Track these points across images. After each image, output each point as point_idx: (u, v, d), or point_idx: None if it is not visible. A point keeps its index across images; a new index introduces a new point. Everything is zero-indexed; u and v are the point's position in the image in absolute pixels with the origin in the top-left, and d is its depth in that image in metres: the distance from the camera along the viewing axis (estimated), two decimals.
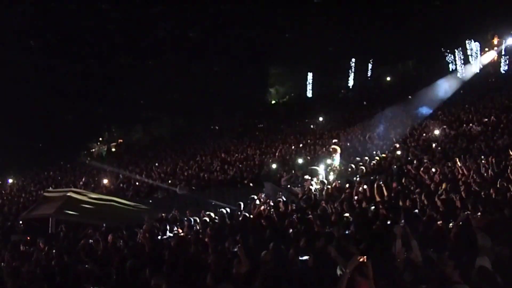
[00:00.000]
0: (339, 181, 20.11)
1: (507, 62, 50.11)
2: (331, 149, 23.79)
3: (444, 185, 14.18)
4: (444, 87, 44.91)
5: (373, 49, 56.06)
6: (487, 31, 51.14)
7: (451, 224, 10.09)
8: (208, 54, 56.72)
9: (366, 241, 9.46)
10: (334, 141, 24.34)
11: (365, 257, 6.11)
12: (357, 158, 23.92)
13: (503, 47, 50.29)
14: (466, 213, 10.53)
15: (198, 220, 16.63)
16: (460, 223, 9.80)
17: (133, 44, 53.18)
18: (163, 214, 19.00)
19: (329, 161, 23.20)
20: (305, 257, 8.99)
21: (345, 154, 24.74)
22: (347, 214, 12.92)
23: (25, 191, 34.83)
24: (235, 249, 10.01)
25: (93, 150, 65.59)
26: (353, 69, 61.46)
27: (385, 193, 14.91)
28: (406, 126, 31.94)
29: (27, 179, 41.13)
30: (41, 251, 15.45)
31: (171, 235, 15.03)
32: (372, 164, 22.46)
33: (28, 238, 18.91)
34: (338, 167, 22.68)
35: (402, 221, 9.28)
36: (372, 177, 19.03)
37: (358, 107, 49.11)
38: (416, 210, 12.10)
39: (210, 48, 56.33)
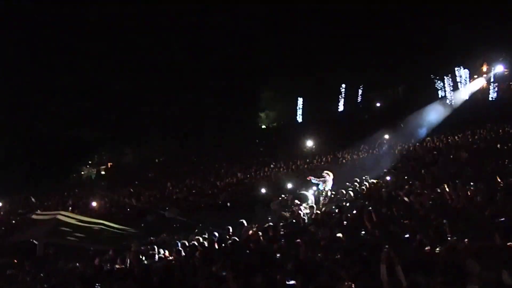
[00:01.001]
0: (328, 206, 20.15)
1: (496, 89, 50.48)
2: (323, 174, 23.76)
3: None
4: (433, 113, 45.12)
5: (363, 75, 56.36)
6: (476, 58, 51.51)
7: (437, 249, 10.09)
8: (199, 77, 56.79)
9: (355, 267, 9.45)
10: (326, 172, 24.27)
11: (352, 284, 6.11)
12: (347, 183, 23.95)
13: (492, 74, 50.70)
14: (454, 238, 10.54)
15: (186, 244, 16.55)
16: (448, 248, 9.79)
17: (124, 67, 53.25)
18: (151, 238, 18.91)
19: (320, 186, 23.19)
20: (292, 282, 8.95)
21: (335, 180, 24.73)
22: (338, 237, 12.91)
23: (13, 213, 34.62)
24: (223, 273, 9.98)
25: (83, 173, 65.36)
26: (343, 94, 61.72)
27: (374, 218, 14.90)
28: (395, 152, 32.06)
29: (15, 202, 40.88)
30: (27, 275, 15.37)
31: (160, 258, 14.95)
32: (362, 189, 22.48)
33: (16, 261, 18.82)
34: (328, 192, 22.69)
35: (386, 246, 9.28)
36: (361, 202, 19.05)
37: (348, 131, 49.21)
38: (407, 235, 12.08)
39: (201, 70, 56.42)
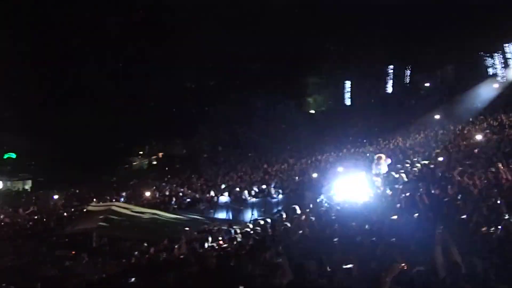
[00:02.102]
0: (382, 189, 20.01)
1: None
2: (376, 157, 23.56)
3: None
4: (485, 92, 44.33)
5: (411, 55, 55.57)
6: None
7: (493, 230, 9.95)
8: (242, 67, 56.80)
9: (409, 249, 9.39)
10: (379, 155, 24.01)
11: (404, 264, 6.06)
12: (398, 166, 23.73)
13: None
14: (508, 218, 10.37)
15: (239, 231, 16.64)
16: (505, 228, 9.65)
17: (169, 61, 53.59)
18: (205, 226, 19.05)
19: (375, 169, 23.02)
20: (349, 266, 8.92)
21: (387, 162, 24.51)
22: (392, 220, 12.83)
23: (69, 206, 35.26)
24: (279, 260, 9.99)
25: (134, 163, 66.20)
26: (391, 76, 60.98)
27: (427, 200, 14.75)
28: (447, 132, 31.63)
29: (71, 194, 41.64)
30: (85, 266, 15.65)
31: (213, 246, 15.06)
32: (414, 171, 22.25)
33: (73, 252, 19.17)
34: (382, 175, 22.50)
35: (441, 227, 9.15)
36: (414, 185, 18.86)
37: (398, 114, 48.69)
38: (462, 216, 11.91)
39: (246, 60, 56.38)
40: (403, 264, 6.09)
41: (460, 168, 18.65)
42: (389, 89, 60.98)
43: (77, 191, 43.35)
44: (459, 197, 14.08)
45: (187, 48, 51.60)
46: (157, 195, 33.77)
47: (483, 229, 10.04)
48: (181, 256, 14.18)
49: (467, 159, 21.40)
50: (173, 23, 51.08)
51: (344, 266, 8.94)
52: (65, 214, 31.44)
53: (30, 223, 30.79)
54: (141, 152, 67.96)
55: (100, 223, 20.93)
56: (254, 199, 26.67)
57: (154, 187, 36.88)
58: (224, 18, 50.60)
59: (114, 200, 32.83)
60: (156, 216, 22.75)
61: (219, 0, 49.68)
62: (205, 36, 51.43)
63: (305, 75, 61.42)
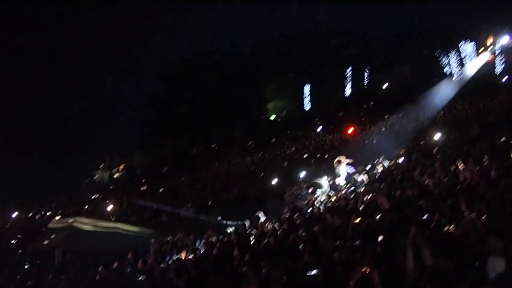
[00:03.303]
0: (343, 192, 20.11)
1: (503, 61, 50.13)
2: (335, 160, 23.65)
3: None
4: (442, 91, 44.88)
5: (368, 57, 56.07)
6: (480, 32, 51.13)
7: (453, 228, 10.01)
8: (204, 74, 56.82)
9: (373, 252, 9.39)
10: (338, 158, 24.14)
11: (368, 267, 6.05)
12: (359, 168, 23.88)
13: (497, 46, 50.31)
14: (471, 216, 10.46)
15: (203, 242, 16.56)
16: (466, 227, 9.72)
17: (130, 68, 53.31)
18: (168, 238, 18.92)
19: (336, 172, 23.12)
20: (313, 272, 8.89)
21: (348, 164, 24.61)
22: (355, 223, 12.87)
23: (31, 222, 34.79)
24: (243, 269, 9.95)
25: (96, 177, 65.57)
26: (349, 78, 61.39)
27: (389, 202, 14.83)
28: (406, 133, 31.93)
29: (31, 211, 41.05)
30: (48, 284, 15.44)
31: (178, 259, 14.95)
32: (375, 173, 22.41)
33: (35, 270, 18.88)
34: (343, 177, 22.61)
35: (412, 229, 9.17)
36: (376, 186, 18.98)
37: (357, 115, 49.03)
38: (424, 217, 11.98)
39: (204, 67, 56.43)
40: (366, 267, 6.07)
41: (420, 168, 18.83)
42: (348, 91, 61.38)
43: (40, 207, 42.74)
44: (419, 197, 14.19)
45: (148, 55, 51.57)
46: (119, 208, 33.49)
47: (445, 228, 10.10)
48: (147, 269, 14.07)
49: (426, 159, 21.60)
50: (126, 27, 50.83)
51: (308, 273, 8.91)
52: (27, 231, 30.99)
53: None
54: (102, 165, 67.33)
55: (63, 239, 20.69)
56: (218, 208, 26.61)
57: (116, 200, 36.55)
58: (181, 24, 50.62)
59: (76, 215, 32.47)
60: (118, 229, 22.59)
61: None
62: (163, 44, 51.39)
63: (265, 80, 61.56)
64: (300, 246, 11.56)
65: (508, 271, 6.99)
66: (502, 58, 50.26)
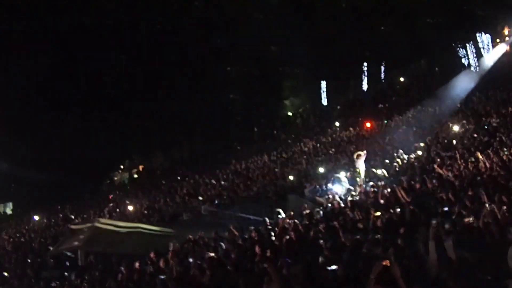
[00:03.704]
0: (364, 186, 20.07)
1: None
2: (355, 155, 23.60)
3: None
4: (460, 83, 44.60)
5: (384, 51, 55.81)
6: (497, 23, 50.74)
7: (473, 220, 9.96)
8: (220, 72, 56.93)
9: (394, 246, 9.36)
10: (358, 152, 24.07)
11: (388, 261, 6.03)
12: (378, 162, 23.86)
13: None
14: (492, 207, 10.40)
15: (225, 240, 16.59)
16: (487, 218, 9.65)
17: (147, 70, 53.47)
18: (190, 236, 18.95)
19: (355, 166, 23.08)
20: (334, 267, 8.87)
21: (367, 159, 24.53)
22: (376, 215, 12.85)
23: (52, 225, 35.03)
24: (264, 266, 9.94)
25: (115, 178, 65.96)
26: (366, 74, 61.19)
27: (410, 194, 14.81)
28: (424, 126, 31.79)
29: (52, 214, 41.34)
30: (72, 286, 15.55)
31: (200, 257, 14.97)
32: (394, 166, 22.35)
33: (59, 272, 19.05)
34: (362, 172, 22.56)
35: (434, 221, 9.12)
36: (395, 180, 18.94)
37: (375, 111, 48.81)
38: (445, 209, 11.92)
39: (221, 66, 56.55)
40: (387, 261, 6.06)
41: (440, 161, 18.77)
42: (365, 86, 61.19)
43: (61, 210, 43.02)
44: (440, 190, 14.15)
45: (162, 55, 51.73)
46: (140, 209, 33.61)
47: (466, 220, 10.04)
48: (168, 268, 14.10)
49: (446, 151, 21.52)
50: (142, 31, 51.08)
51: (329, 268, 8.90)
52: (49, 234, 31.20)
53: (14, 246, 30.51)
54: (122, 166, 67.73)
55: (85, 241, 20.77)
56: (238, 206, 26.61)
57: (137, 201, 36.71)
58: (200, 21, 50.69)
59: (97, 216, 32.61)
60: (140, 229, 22.63)
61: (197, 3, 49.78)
62: (180, 40, 51.52)
63: (281, 77, 61.57)
64: (321, 241, 11.56)
65: None
66: None
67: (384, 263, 6.02)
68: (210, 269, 11.57)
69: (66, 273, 18.39)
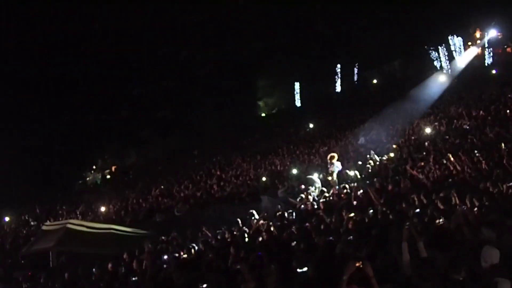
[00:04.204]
0: (337, 188, 20.17)
1: (491, 54, 50.39)
2: (328, 157, 23.67)
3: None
4: (432, 85, 45.03)
5: (357, 53, 56.18)
6: (468, 25, 51.32)
7: (444, 221, 10.07)
8: (194, 72, 56.86)
9: (367, 247, 9.44)
10: (332, 154, 24.19)
11: (361, 262, 6.07)
12: (351, 163, 23.97)
13: (485, 40, 50.56)
14: (461, 208, 10.53)
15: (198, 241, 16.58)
16: (459, 219, 9.77)
17: (119, 68, 53.17)
18: (163, 237, 18.92)
19: (329, 169, 23.15)
20: (304, 269, 8.91)
21: (340, 160, 24.63)
22: (349, 217, 12.94)
23: (24, 226, 34.67)
24: (238, 267, 9.96)
25: (88, 178, 65.42)
26: (339, 75, 61.51)
27: (382, 196, 14.92)
28: (397, 128, 32.01)
29: (24, 215, 40.92)
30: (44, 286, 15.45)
31: (174, 257, 14.93)
32: (367, 168, 22.49)
33: (30, 273, 18.86)
34: (335, 173, 22.65)
35: (407, 223, 9.21)
36: (368, 181, 19.07)
37: (348, 112, 49.06)
38: (417, 210, 12.04)
39: (195, 66, 56.47)
40: (360, 262, 6.10)
41: (412, 162, 18.93)
42: (338, 87, 61.50)
43: (32, 210, 42.58)
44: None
45: (134, 54, 51.50)
46: (113, 209, 33.41)
47: (437, 221, 10.15)
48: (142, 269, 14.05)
49: (418, 153, 21.71)
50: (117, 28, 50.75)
51: (299, 270, 8.92)
52: (20, 235, 30.87)
53: None
54: (94, 167, 67.20)
55: (57, 242, 20.59)
56: (211, 206, 26.58)
57: (109, 201, 36.47)
58: (172, 22, 50.54)
59: (69, 217, 32.34)
60: (112, 230, 22.49)
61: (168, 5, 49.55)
62: (152, 41, 51.32)
63: (255, 78, 61.64)
64: (293, 243, 11.61)
65: (502, 261, 7.04)
66: (490, 52, 50.53)
67: (357, 264, 6.05)
68: (183, 270, 11.57)
69: (37, 274, 18.21)
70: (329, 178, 22.50)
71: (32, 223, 35.01)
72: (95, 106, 54.84)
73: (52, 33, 48.72)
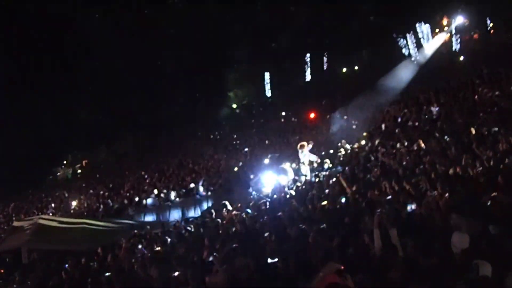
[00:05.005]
0: (309, 177, 20.26)
1: (458, 41, 50.77)
2: (299, 146, 23.70)
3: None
4: (400, 73, 45.24)
5: (326, 42, 56.27)
6: (435, 12, 51.60)
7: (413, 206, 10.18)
8: (163, 66, 56.62)
9: (339, 235, 9.48)
10: (302, 143, 24.20)
11: (342, 267, 6.01)
12: (323, 152, 24.06)
13: (453, 27, 50.89)
14: (434, 194, 10.62)
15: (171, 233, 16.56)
16: (429, 206, 9.86)
17: (87, 63, 52.79)
18: (135, 231, 18.86)
19: (299, 157, 23.18)
20: (275, 260, 8.94)
21: (312, 149, 24.68)
22: (321, 205, 13.00)
23: None
24: (211, 259, 9.98)
25: (58, 174, 64.93)
26: (308, 64, 61.55)
27: (354, 184, 14.99)
28: (367, 116, 32.14)
29: None
30: (16, 284, 15.32)
31: (147, 251, 14.89)
32: (339, 156, 22.57)
33: (2, 271, 18.68)
34: (307, 163, 22.70)
35: (378, 210, 9.26)
36: (340, 170, 19.15)
37: (318, 101, 49.18)
38: (389, 197, 12.11)
39: (164, 59, 56.22)
40: (342, 267, 6.01)
41: (383, 150, 19.05)
42: (308, 77, 61.55)
43: (2, 207, 42.18)
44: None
45: (103, 53, 51.13)
46: (84, 204, 33.24)
47: (409, 208, 10.23)
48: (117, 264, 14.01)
49: (389, 140, 21.82)
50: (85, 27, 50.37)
51: (270, 261, 8.95)
52: None
53: None
54: (65, 162, 66.70)
55: (28, 238, 20.40)
56: (183, 199, 26.56)
57: (81, 196, 36.27)
58: (139, 16, 50.29)
59: (40, 213, 32.09)
60: (84, 225, 22.35)
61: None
62: (120, 36, 51.00)
63: (224, 70, 61.46)
64: (266, 234, 11.62)
65: (472, 246, 7.12)
66: (458, 38, 50.92)
67: (337, 267, 5.97)
68: (156, 263, 11.55)
69: (9, 271, 18.05)
70: (301, 167, 22.55)
71: (2, 219, 34.71)
72: (64, 102, 54.32)
73: (14, 32, 48.28)
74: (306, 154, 22.94)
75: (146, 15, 51.30)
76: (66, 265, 15.32)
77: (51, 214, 31.20)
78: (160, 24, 52.56)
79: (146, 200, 27.55)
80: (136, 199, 28.96)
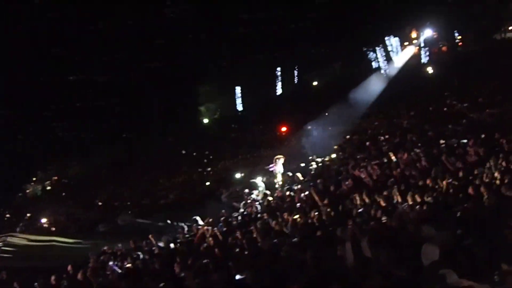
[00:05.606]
0: (281, 191, 20.22)
1: (427, 53, 51.30)
2: (274, 159, 23.68)
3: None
4: (370, 86, 45.53)
5: (297, 56, 56.41)
6: (405, 26, 52.08)
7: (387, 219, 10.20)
8: (136, 79, 56.35)
9: (312, 248, 9.45)
10: (277, 156, 24.19)
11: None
12: (294, 166, 24.07)
13: (421, 39, 51.41)
14: (405, 206, 10.66)
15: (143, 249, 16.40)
16: (400, 217, 9.89)
17: (60, 77, 52.27)
18: (105, 248, 18.65)
19: (273, 169, 23.15)
20: (242, 276, 8.85)
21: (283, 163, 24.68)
22: (294, 219, 12.97)
23: None
24: (182, 274, 9.89)
25: (28, 191, 64.10)
26: (279, 78, 61.61)
27: (325, 197, 14.98)
28: (338, 129, 32.25)
29: None
30: None
31: (117, 269, 14.72)
32: (310, 170, 22.60)
33: None
34: (279, 176, 22.70)
35: (351, 222, 9.26)
36: (311, 183, 19.14)
37: (290, 115, 49.27)
38: (360, 210, 12.13)
39: (134, 74, 55.95)
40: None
41: (354, 162, 19.10)
42: (279, 90, 61.61)
43: None
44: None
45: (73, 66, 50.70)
46: (55, 221, 32.86)
47: (381, 220, 10.25)
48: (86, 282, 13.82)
49: (359, 153, 21.91)
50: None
51: (238, 277, 8.88)
52: None
53: None
54: (34, 178, 65.86)
55: None
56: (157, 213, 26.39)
57: (51, 213, 35.87)
58: (109, 27, 49.92)
59: (10, 231, 31.71)
60: (54, 242, 22.15)
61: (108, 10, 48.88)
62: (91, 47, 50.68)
63: (196, 84, 61.29)
64: (237, 249, 11.55)
65: (442, 258, 7.12)
66: (427, 51, 51.46)
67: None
68: (127, 280, 11.42)
69: None
70: (273, 181, 22.55)
71: None
72: (35, 116, 53.69)
73: None
74: (279, 168, 22.95)
75: (114, 27, 50.93)
76: (36, 284, 15.08)
77: (21, 231, 30.80)
78: (132, 38, 52.31)
79: (119, 216, 27.34)
80: (109, 215, 28.74)
